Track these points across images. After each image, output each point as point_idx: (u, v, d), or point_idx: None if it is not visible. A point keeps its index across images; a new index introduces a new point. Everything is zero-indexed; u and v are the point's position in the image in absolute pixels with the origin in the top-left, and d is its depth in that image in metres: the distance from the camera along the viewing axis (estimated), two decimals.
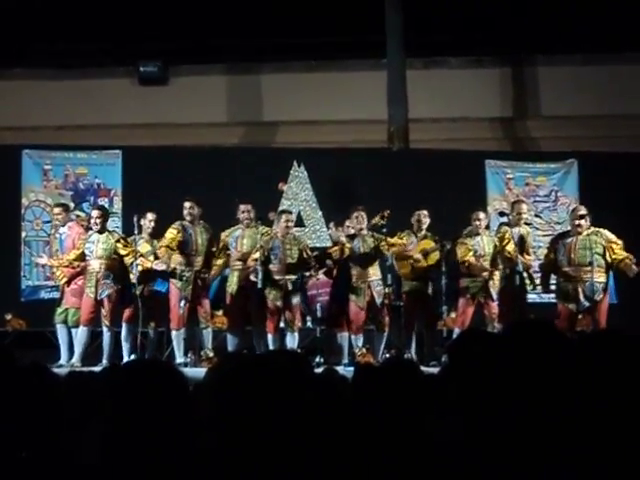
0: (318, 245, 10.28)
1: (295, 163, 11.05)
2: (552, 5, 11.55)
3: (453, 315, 9.10)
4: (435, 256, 8.93)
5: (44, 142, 11.16)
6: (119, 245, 8.62)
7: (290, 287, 8.59)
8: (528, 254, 8.99)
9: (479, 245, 8.83)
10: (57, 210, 9.28)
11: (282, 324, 8.73)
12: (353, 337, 8.67)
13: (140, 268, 8.62)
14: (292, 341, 8.65)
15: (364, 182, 10.65)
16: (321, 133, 12.14)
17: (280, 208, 10.14)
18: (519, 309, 8.56)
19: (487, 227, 9.14)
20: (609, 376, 2.19)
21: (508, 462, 2.09)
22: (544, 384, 2.16)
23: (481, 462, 2.13)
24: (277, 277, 8.59)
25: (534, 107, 12.90)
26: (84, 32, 11.83)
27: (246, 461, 2.07)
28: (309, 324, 9.54)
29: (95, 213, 8.81)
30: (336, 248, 8.79)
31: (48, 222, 10.59)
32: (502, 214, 9.35)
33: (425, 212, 9.02)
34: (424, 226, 9.01)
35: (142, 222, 8.87)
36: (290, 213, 9.26)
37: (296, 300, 8.70)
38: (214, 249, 8.83)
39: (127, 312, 8.70)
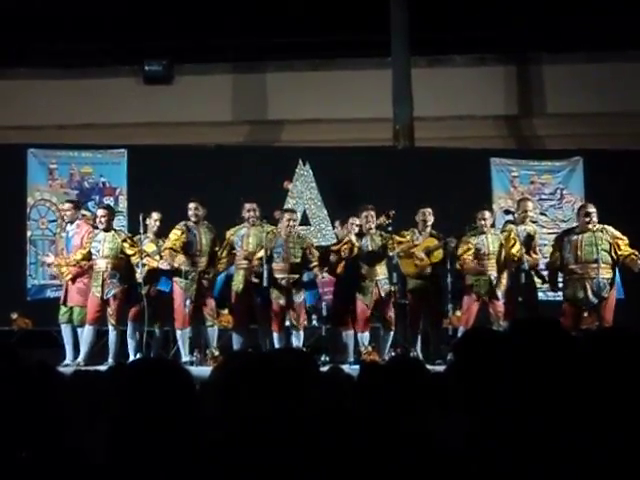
0: (323, 244, 10.27)
1: (300, 162, 11.03)
2: (556, 3, 11.52)
3: (458, 313, 9.09)
4: (439, 254, 8.91)
5: (49, 141, 11.16)
6: (126, 245, 8.63)
7: (293, 286, 8.60)
8: (535, 253, 8.98)
9: (483, 244, 8.80)
10: (67, 206, 9.24)
11: (287, 323, 8.73)
12: (359, 334, 8.67)
13: (146, 268, 8.63)
14: (297, 340, 8.65)
15: (369, 180, 10.64)
16: (326, 131, 12.12)
17: (285, 207, 10.14)
18: (529, 307, 8.55)
19: (492, 225, 9.12)
20: (614, 374, 2.19)
21: (513, 460, 2.09)
22: (549, 382, 2.16)
23: (487, 460, 2.12)
24: (280, 276, 8.60)
25: (539, 105, 12.88)
26: (89, 31, 11.82)
27: (252, 459, 2.07)
28: (314, 322, 9.55)
29: (101, 212, 8.82)
30: (346, 246, 8.77)
31: (54, 221, 10.61)
32: (507, 212, 9.32)
33: (429, 210, 9.00)
34: (429, 224, 9.00)
35: (147, 221, 8.86)
36: (293, 212, 9.26)
37: (299, 299, 8.70)
38: (217, 249, 8.83)
39: (133, 311, 8.71)
